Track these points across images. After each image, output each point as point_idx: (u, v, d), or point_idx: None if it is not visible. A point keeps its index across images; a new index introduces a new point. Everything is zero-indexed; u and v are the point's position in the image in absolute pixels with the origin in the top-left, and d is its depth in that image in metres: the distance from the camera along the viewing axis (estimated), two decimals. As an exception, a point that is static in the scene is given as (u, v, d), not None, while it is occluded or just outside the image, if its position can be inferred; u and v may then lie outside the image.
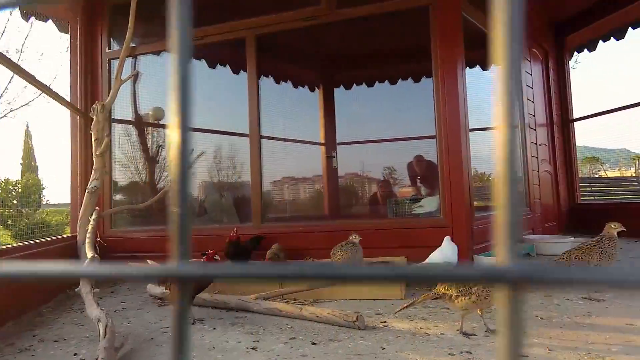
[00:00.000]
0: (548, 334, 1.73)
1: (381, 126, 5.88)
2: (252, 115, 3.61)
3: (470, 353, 1.58)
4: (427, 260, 2.81)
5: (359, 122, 6.12)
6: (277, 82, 5.65)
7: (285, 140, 5.02)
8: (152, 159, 4.39)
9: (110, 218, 3.81)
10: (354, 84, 6.22)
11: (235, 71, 4.61)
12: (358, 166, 5.63)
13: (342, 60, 6.18)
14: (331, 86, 6.10)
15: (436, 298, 1.79)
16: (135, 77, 4.02)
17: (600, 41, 5.45)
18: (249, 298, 2.36)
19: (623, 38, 5.23)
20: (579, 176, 6.13)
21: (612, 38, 5.31)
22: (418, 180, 4.84)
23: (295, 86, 5.99)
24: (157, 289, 2.75)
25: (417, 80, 5.39)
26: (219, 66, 4.77)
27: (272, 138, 4.06)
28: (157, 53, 4.08)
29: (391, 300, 2.38)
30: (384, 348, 1.68)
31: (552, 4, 5.25)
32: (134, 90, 4.15)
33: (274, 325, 2.05)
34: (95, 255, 2.50)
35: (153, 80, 4.29)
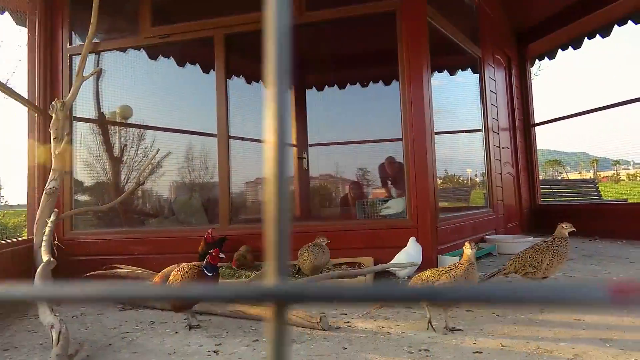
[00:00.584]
0: (502, 331, 1.81)
1: (352, 128, 5.94)
2: (221, 115, 3.57)
3: (428, 351, 1.62)
4: (392, 261, 2.87)
5: (330, 123, 6.16)
6: (249, 83, 5.61)
7: (256, 141, 4.99)
8: (116, 159, 4.25)
9: (71, 220, 3.66)
10: (326, 86, 6.25)
11: (206, 70, 4.55)
12: (329, 168, 5.67)
13: (314, 62, 6.19)
14: (303, 88, 6.12)
15: None
16: (98, 74, 3.89)
17: (560, 50, 5.73)
18: (213, 301, 2.33)
19: (580, 47, 5.51)
20: (541, 178, 6.42)
21: (570, 47, 5.59)
22: (389, 182, 4.93)
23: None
24: (118, 293, 2.67)
25: (387, 83, 5.49)
26: (188, 65, 4.69)
27: (242, 138, 4.02)
28: (123, 50, 3.96)
29: (356, 300, 2.41)
30: (345, 348, 1.70)
31: (514, 14, 5.47)
32: (97, 88, 4.01)
33: (237, 328, 2.04)
34: (52, 259, 2.40)
35: (118, 78, 4.17)
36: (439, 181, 4.36)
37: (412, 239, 2.79)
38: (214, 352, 1.73)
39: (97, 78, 3.96)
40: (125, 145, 4.32)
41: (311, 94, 6.27)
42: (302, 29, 4.09)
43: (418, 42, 3.24)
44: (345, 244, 3.26)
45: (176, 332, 2.01)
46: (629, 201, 7.93)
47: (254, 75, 5.30)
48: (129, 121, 4.45)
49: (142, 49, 4.02)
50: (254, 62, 5.22)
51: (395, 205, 3.53)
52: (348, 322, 2.04)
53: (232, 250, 3.17)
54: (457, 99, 4.79)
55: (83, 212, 3.78)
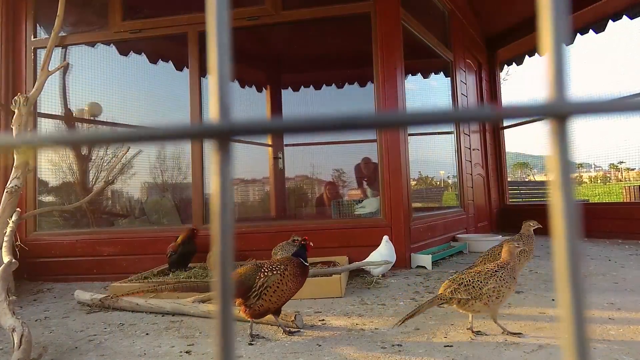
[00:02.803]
0: (473, 324, 1.86)
1: (328, 129, 5.97)
2: (194, 113, 3.51)
3: (401, 346, 1.65)
4: (367, 260, 2.90)
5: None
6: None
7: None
8: (84, 157, 4.10)
9: (35, 220, 3.51)
10: (302, 86, 6.25)
11: (179, 68, 4.46)
12: (305, 168, 5.67)
13: (290, 62, 6.19)
14: (278, 87, 6.09)
15: (442, 303, 1.71)
16: (64, 68, 3.74)
17: (527, 56, 5.96)
18: (185, 301, 2.29)
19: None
20: (509, 179, 6.66)
21: (536, 54, 5.83)
22: (364, 182, 4.98)
23: (243, 86, 5.91)
24: (85, 295, 2.58)
25: (363, 84, 5.54)
26: (161, 62, 4.58)
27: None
28: (92, 44, 3.84)
29: (330, 298, 2.42)
30: (319, 345, 1.71)
31: (485, 20, 5.66)
32: (64, 83, 3.86)
33: (211, 328, 2.01)
34: (13, 260, 2.29)
35: (87, 74, 4.02)
36: (413, 182, 4.44)
37: (385, 238, 2.83)
38: (186, 352, 1.70)
39: (64, 73, 3.81)
40: (94, 143, 4.17)
41: (287, 94, 6.26)
42: (278, 28, 4.09)
43: (392, 44, 3.30)
44: (320, 243, 3.26)
45: (147, 334, 1.96)
46: (590, 201, 8.33)
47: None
48: (98, 119, 4.31)
49: (112, 44, 3.91)
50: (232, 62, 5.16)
51: (370, 205, 3.58)
52: (322, 319, 2.05)
53: (204, 251, 3.12)
54: (431, 102, 4.91)
55: (47, 212, 3.63)
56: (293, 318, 1.93)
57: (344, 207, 3.74)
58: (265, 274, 1.80)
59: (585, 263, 3.19)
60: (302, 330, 1.91)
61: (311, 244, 2.09)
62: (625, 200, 8.76)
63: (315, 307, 2.28)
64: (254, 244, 3.31)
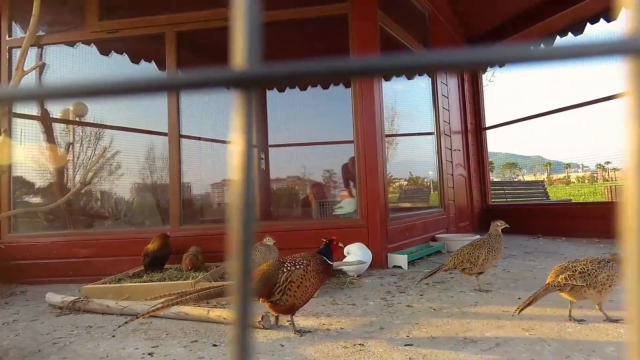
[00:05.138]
0: (436, 324, 1.88)
1: (312, 130, 5.99)
2: (172, 114, 3.49)
3: (363, 345, 1.67)
4: (344, 260, 2.92)
5: (290, 125, 6.18)
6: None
7: (213, 141, 4.93)
8: (61, 158, 4.06)
9: (9, 221, 3.46)
10: (287, 87, 6.26)
11: (162, 68, 4.43)
12: (287, 168, 5.68)
13: (275, 63, 6.18)
14: (263, 88, 6.10)
15: (558, 290, 1.77)
16: (40, 68, 3.70)
17: (508, 58, 6.02)
18: (155, 303, 2.27)
19: (526, 56, 5.83)
20: (498, 180, 6.70)
21: (517, 55, 5.89)
22: (351, 183, 5.00)
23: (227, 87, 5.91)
24: (56, 298, 2.56)
25: (348, 85, 5.56)
26: (143, 62, 4.55)
27: (199, 138, 3.96)
28: (71, 44, 3.80)
29: (302, 299, 2.43)
30: (282, 345, 1.71)
31: (465, 22, 5.71)
32: (41, 83, 3.81)
33: (179, 330, 2.01)
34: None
35: (65, 73, 3.98)
36: (395, 183, 4.47)
37: (357, 244, 2.87)
38: (149, 354, 1.70)
39: (40, 73, 3.77)
40: (71, 143, 4.14)
41: (272, 95, 6.26)
42: (262, 28, 4.07)
43: (369, 45, 3.32)
44: (297, 243, 3.28)
45: (113, 336, 1.95)
46: (573, 201, 8.46)
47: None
48: (82, 119, 4.28)
49: (92, 44, 3.87)
50: (210, 60, 5.17)
51: (348, 205, 3.60)
52: (290, 320, 2.06)
53: (180, 252, 3.11)
54: (415, 103, 4.94)
55: (23, 214, 3.58)
56: (260, 319, 1.94)
57: (324, 208, 3.75)
58: (288, 268, 1.80)
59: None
60: (269, 330, 1.91)
61: (340, 244, 2.09)
62: (606, 200, 8.89)
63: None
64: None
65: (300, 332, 1.84)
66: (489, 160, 6.55)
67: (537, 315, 1.92)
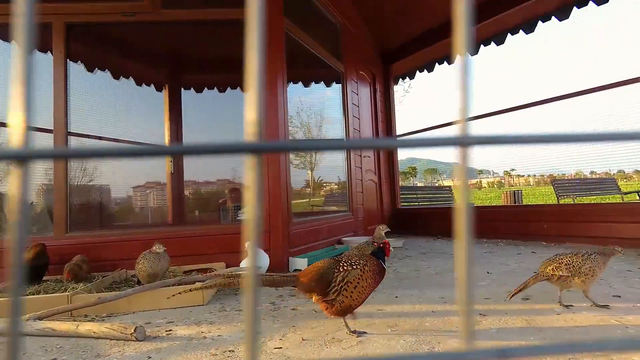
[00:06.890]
0: (312, 325, 1.95)
1: (230, 132, 5.90)
2: (58, 109, 3.22)
3: (233, 352, 1.68)
4: (240, 265, 2.91)
5: (208, 126, 6.03)
6: (116, 78, 5.23)
7: (116, 140, 4.63)
8: None
9: None
10: (205, 88, 6.10)
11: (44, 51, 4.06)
12: (197, 174, 5.53)
13: (191, 63, 6.01)
14: (178, 87, 5.88)
15: (547, 279, 1.96)
16: None
17: (417, 71, 6.49)
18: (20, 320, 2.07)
19: (432, 71, 6.32)
20: (420, 185, 7.14)
21: (425, 70, 6.37)
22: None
23: (139, 84, 5.61)
24: None
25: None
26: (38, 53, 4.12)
27: (88, 136, 3.69)
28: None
29: (189, 307, 2.38)
30: (150, 357, 1.66)
31: (379, 35, 6.04)
32: None
33: (40, 347, 1.85)
34: None
35: None
36: (301, 187, 4.56)
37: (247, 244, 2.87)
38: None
39: None
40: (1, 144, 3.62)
41: (189, 95, 6.06)
42: (163, 27, 3.93)
43: (273, 52, 3.36)
44: (198, 250, 3.21)
45: (-44, 360, 1.74)
46: (475, 204, 9.31)
47: (122, 71, 4.94)
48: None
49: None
50: (122, 57, 4.87)
51: (252, 210, 3.59)
52: (170, 330, 2.00)
53: (64, 263, 2.87)
54: (331, 110, 5.09)
55: None
56: (133, 330, 1.86)
57: (229, 213, 3.71)
58: (345, 268, 1.73)
59: (447, 262, 3.55)
60: (143, 342, 1.84)
61: (392, 248, 2.06)
62: (504, 204, 9.94)
63: (171, 317, 2.22)
64: (126, 253, 3.12)
65: (357, 332, 1.80)
66: (413, 166, 6.96)
67: (404, 313, 2.08)
